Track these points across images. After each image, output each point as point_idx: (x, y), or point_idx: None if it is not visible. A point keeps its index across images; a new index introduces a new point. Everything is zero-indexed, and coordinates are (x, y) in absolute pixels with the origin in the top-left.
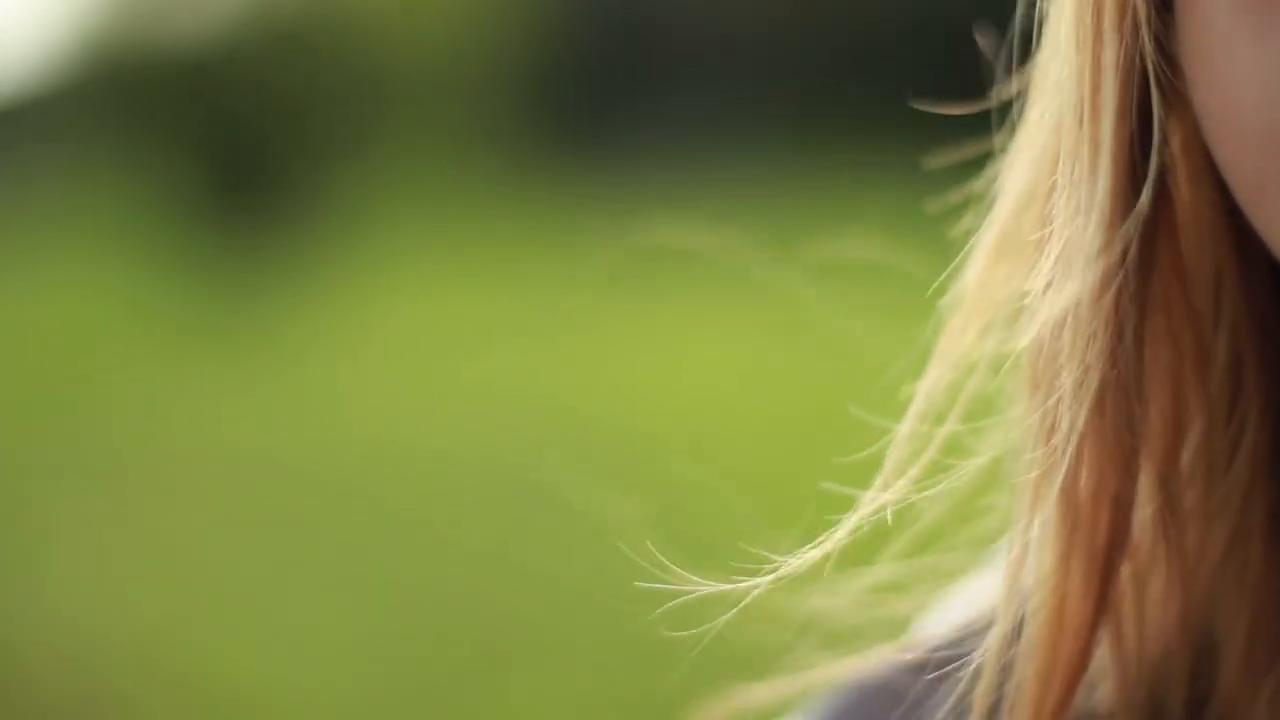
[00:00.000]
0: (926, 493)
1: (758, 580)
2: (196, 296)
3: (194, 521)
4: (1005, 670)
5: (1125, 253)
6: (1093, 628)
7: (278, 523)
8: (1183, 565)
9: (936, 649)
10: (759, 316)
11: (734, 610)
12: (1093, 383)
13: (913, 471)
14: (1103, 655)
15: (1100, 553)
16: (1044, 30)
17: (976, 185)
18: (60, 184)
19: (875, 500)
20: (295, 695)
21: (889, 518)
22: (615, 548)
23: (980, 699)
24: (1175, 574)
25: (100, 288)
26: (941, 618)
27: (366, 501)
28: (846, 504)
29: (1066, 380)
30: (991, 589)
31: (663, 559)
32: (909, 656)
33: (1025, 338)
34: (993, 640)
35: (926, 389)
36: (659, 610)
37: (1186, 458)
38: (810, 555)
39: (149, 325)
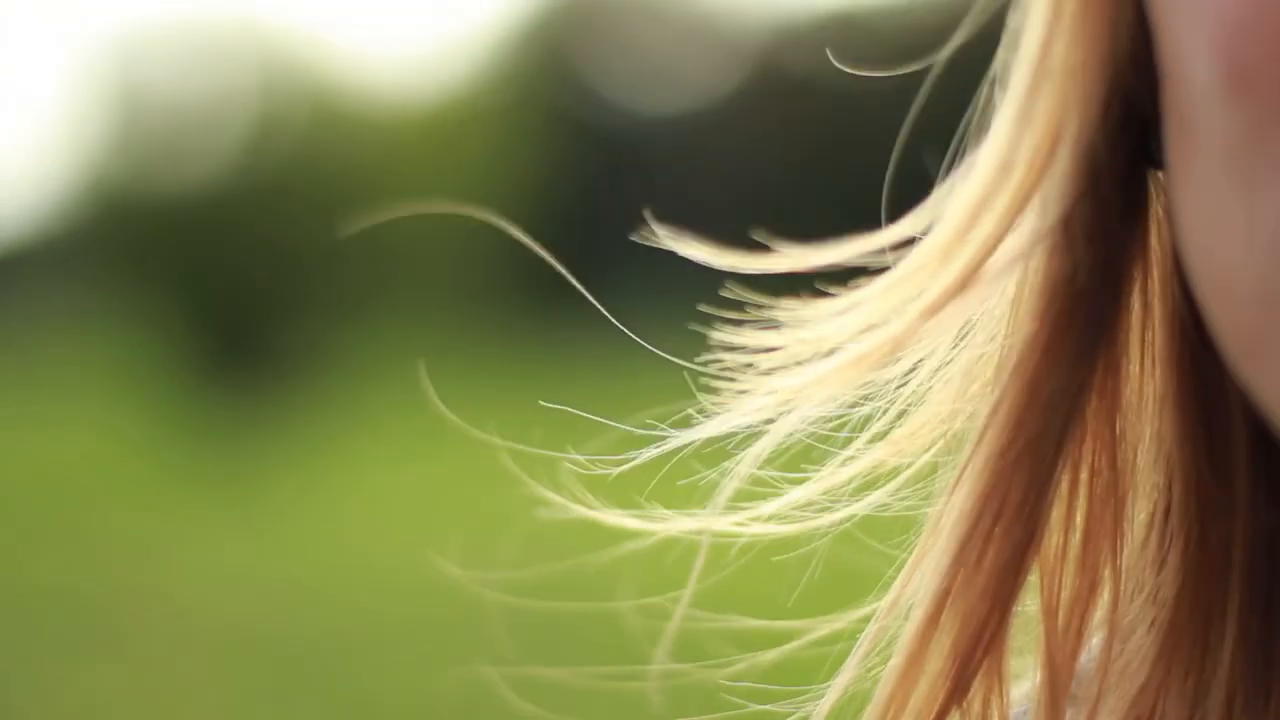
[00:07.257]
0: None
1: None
2: (185, 443)
3: (181, 660)
4: None
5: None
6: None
7: (262, 666)
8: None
9: None
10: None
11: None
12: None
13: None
14: None
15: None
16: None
17: None
18: (54, 328)
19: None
20: None
21: None
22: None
23: None
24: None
25: (87, 432)
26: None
27: (353, 657)
28: None
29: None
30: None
31: None
32: None
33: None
34: None
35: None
36: None
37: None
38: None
39: (135, 470)
